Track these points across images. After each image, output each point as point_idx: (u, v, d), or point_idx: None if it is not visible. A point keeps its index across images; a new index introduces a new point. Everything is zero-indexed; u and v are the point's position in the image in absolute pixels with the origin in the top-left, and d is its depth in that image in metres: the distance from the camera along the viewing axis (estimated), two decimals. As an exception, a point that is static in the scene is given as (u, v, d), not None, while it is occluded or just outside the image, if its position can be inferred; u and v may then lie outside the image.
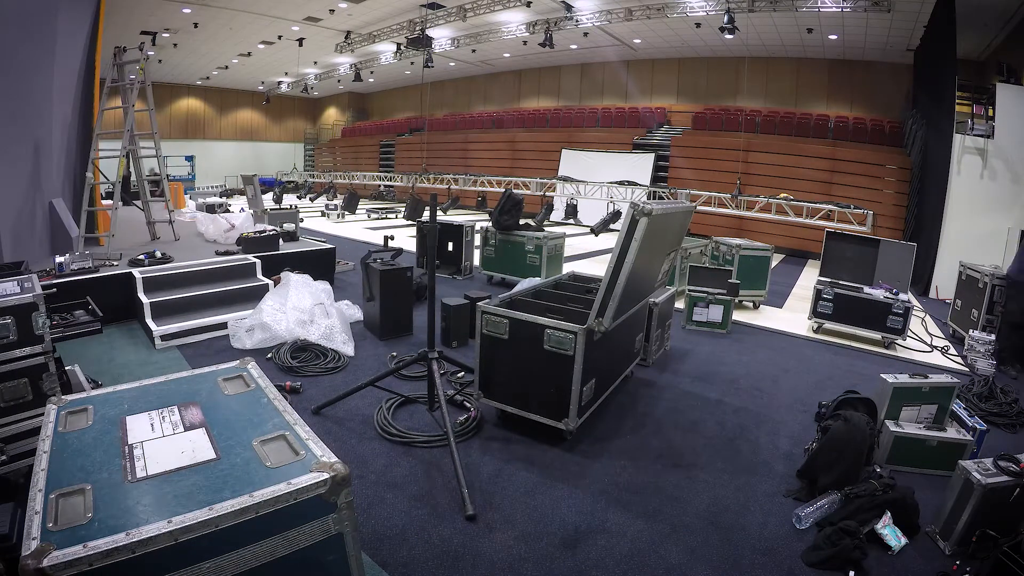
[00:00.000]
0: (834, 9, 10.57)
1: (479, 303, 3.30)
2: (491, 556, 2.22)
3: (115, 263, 5.08)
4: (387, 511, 2.47)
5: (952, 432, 3.11)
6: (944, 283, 8.18)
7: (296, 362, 4.16)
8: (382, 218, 15.02)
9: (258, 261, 5.65)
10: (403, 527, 2.36)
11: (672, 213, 3.30)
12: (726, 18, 11.04)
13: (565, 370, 3.00)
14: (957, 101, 8.48)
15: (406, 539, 2.29)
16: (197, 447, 1.47)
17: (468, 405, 3.49)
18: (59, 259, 4.72)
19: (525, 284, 4.27)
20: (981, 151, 8.23)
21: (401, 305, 5.00)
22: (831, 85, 14.02)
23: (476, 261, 7.67)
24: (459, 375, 3.93)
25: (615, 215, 9.79)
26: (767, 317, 6.46)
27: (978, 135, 8.27)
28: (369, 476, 2.74)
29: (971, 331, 5.24)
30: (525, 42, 15.40)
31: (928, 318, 6.77)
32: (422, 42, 14.57)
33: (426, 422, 3.33)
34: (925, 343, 5.71)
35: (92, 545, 1.09)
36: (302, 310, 4.66)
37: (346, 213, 14.77)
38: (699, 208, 9.48)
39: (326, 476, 1.34)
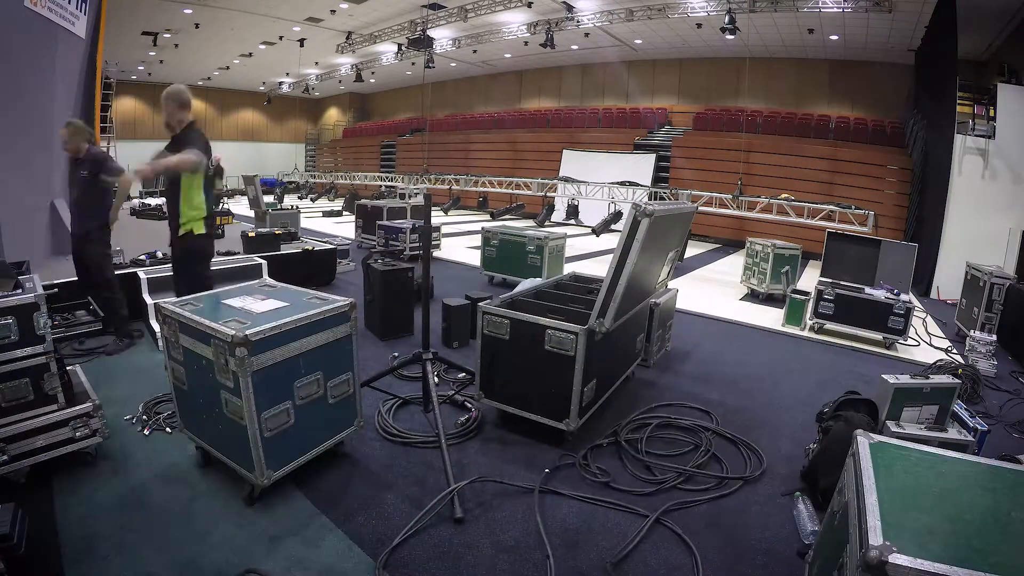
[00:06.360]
0: (835, 9, 10.58)
1: (480, 303, 3.30)
2: (491, 556, 2.22)
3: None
4: (386, 511, 2.47)
5: (953, 433, 3.10)
6: (945, 284, 8.18)
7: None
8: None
9: (264, 262, 5.60)
10: (402, 527, 2.36)
11: (674, 215, 3.30)
12: (727, 18, 11.05)
13: (566, 370, 3.00)
14: (958, 101, 8.48)
15: (405, 539, 2.29)
16: (280, 303, 2.71)
17: (469, 405, 3.49)
18: None
19: (526, 284, 4.26)
20: (982, 151, 8.23)
21: (401, 305, 5.01)
22: (832, 85, 14.01)
23: (477, 261, 7.67)
24: (459, 375, 3.93)
25: (616, 216, 9.80)
26: (767, 317, 6.45)
27: (979, 135, 8.27)
28: (369, 476, 2.74)
29: (972, 331, 5.24)
30: (526, 42, 15.41)
31: (929, 319, 6.76)
32: (423, 43, 14.60)
33: (426, 423, 3.33)
34: (927, 343, 5.71)
35: (257, 330, 2.28)
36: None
37: (345, 212, 14.82)
38: (700, 209, 9.46)
39: (349, 302, 2.70)
